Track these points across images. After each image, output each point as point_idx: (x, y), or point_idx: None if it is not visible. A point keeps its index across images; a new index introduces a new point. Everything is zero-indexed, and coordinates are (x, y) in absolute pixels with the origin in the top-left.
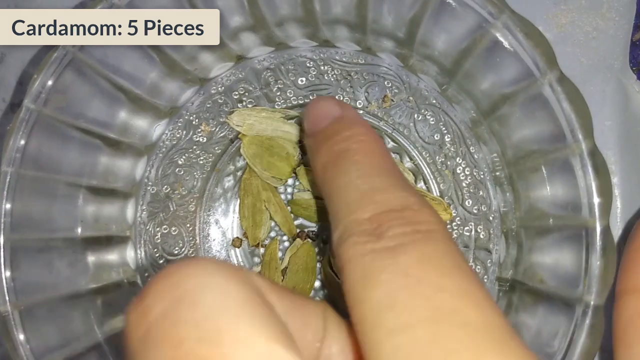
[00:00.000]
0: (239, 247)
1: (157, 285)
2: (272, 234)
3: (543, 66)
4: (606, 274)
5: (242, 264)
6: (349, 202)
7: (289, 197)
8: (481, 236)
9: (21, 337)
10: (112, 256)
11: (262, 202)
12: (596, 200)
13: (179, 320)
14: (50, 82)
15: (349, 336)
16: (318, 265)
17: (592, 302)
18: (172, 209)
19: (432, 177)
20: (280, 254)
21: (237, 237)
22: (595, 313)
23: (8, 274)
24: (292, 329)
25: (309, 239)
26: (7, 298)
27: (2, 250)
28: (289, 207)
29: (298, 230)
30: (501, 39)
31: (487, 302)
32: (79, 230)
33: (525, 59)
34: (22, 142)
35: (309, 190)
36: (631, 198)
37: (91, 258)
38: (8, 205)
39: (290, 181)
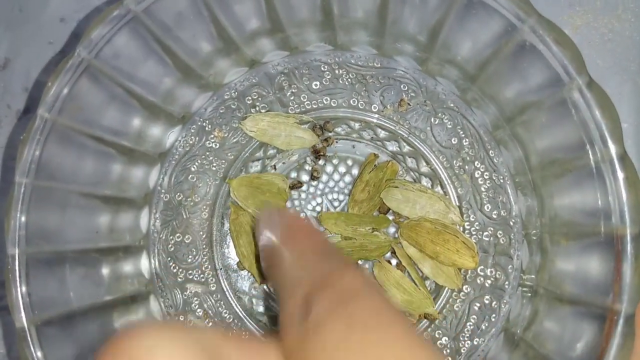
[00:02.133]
0: (243, 270)
1: (105, 356)
2: None
3: (572, 71)
4: (638, 281)
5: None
6: (285, 295)
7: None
8: (501, 242)
9: (39, 354)
10: (126, 267)
11: None
12: (627, 206)
13: None
14: (65, 91)
15: None
16: None
17: (623, 311)
18: (185, 217)
19: (449, 181)
20: None
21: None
22: (626, 322)
23: (24, 289)
24: None
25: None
26: (23, 314)
27: (17, 264)
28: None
29: None
30: (529, 43)
31: (404, 344)
32: (94, 241)
33: (554, 63)
34: (37, 152)
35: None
36: None
37: (106, 270)
38: (23, 218)
39: (288, 203)
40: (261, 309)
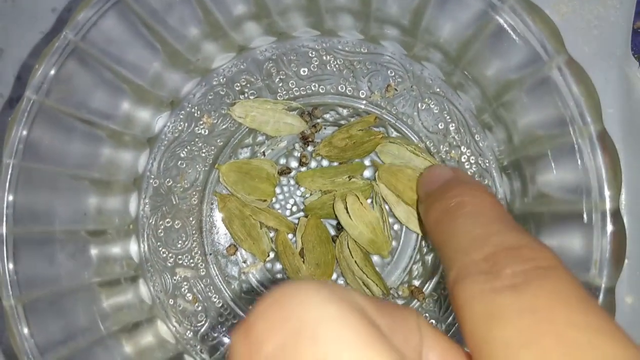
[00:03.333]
0: (233, 255)
1: (267, 315)
2: (272, 234)
3: (551, 49)
4: (617, 256)
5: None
6: (463, 246)
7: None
8: None
9: (25, 331)
10: (115, 249)
11: (249, 217)
12: (606, 182)
13: (299, 357)
14: (52, 72)
15: (441, 343)
16: (332, 232)
17: (603, 285)
18: (174, 202)
19: None
20: (290, 236)
21: (232, 245)
22: (606, 295)
23: (11, 266)
24: (396, 346)
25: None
26: (10, 292)
27: (4, 243)
28: (298, 217)
29: (296, 222)
30: (508, 22)
31: (622, 336)
32: (82, 223)
33: (533, 42)
34: (24, 133)
35: (316, 191)
36: (634, 185)
37: (94, 251)
38: (10, 197)
39: (277, 189)
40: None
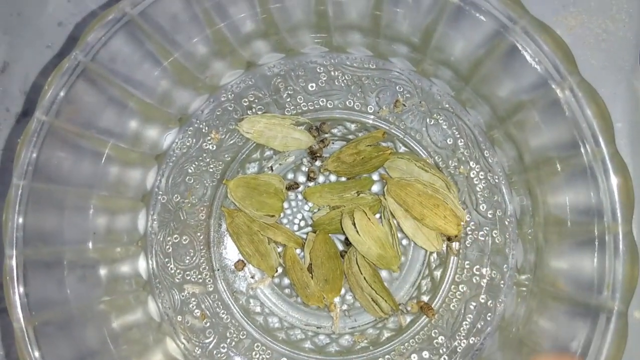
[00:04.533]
0: (241, 270)
1: None
2: (280, 249)
3: (563, 71)
4: (630, 278)
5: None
6: None
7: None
8: (497, 241)
9: (36, 354)
10: (124, 268)
11: (257, 233)
12: (619, 204)
13: None
14: (62, 94)
15: None
16: (341, 247)
17: (615, 308)
18: (182, 218)
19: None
20: (299, 252)
21: (240, 260)
22: (619, 318)
23: (21, 289)
24: None
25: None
26: (21, 315)
27: (15, 265)
28: (305, 232)
29: (304, 237)
30: (521, 43)
31: None
32: (91, 242)
33: (545, 63)
34: (34, 155)
35: (324, 206)
36: None
37: (103, 271)
38: (20, 220)
39: (285, 204)
40: (258, 309)
